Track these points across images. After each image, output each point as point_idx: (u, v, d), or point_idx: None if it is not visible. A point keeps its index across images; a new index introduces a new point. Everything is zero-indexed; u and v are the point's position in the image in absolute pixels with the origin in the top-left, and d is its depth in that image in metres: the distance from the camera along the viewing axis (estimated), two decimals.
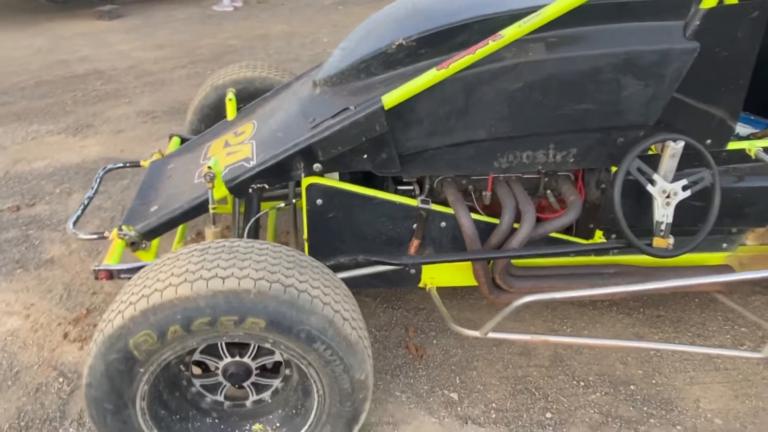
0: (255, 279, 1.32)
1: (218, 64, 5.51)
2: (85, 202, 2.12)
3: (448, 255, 1.99)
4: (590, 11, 1.73)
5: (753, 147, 1.89)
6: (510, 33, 1.65)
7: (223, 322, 1.31)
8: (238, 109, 2.49)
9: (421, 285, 2.12)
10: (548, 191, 2.09)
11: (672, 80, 1.72)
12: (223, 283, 1.30)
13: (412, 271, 2.08)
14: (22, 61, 5.88)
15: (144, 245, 1.90)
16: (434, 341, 2.18)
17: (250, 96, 2.65)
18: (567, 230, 2.20)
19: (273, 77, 2.76)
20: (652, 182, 1.82)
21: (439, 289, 2.13)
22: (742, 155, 1.91)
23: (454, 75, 1.69)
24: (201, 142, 2.38)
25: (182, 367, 1.55)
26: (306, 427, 1.54)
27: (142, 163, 2.42)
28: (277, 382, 1.62)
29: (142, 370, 1.36)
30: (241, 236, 2.03)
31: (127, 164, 2.44)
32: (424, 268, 2.09)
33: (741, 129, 2.16)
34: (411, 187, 2.11)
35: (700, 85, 1.75)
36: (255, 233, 2.09)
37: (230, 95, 2.45)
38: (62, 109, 4.57)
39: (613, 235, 2.03)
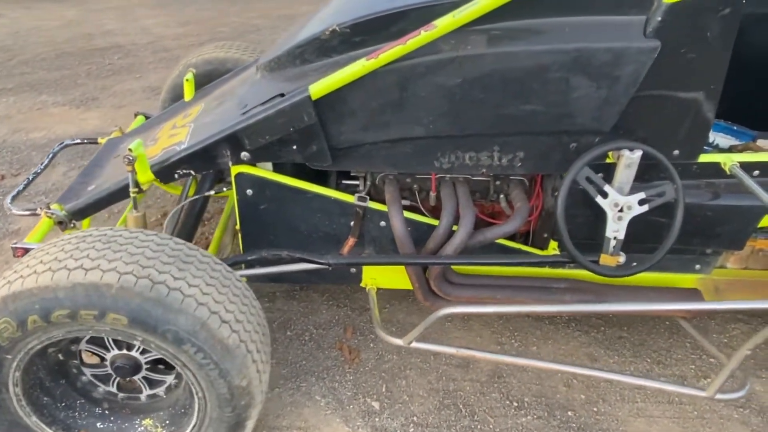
0: (121, 273, 1.25)
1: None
2: (30, 178, 2.10)
3: (378, 257, 1.88)
4: (541, 1, 1.57)
5: (728, 161, 1.69)
6: (444, 23, 1.51)
7: (84, 316, 1.25)
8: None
9: (362, 285, 2.03)
10: (501, 195, 1.95)
11: (628, 83, 1.54)
12: (85, 275, 1.24)
13: (353, 270, 1.99)
14: (50, 33, 6.03)
15: (73, 225, 1.87)
16: (371, 344, 2.07)
17: (221, 76, 2.59)
18: (525, 239, 2.06)
19: (246, 58, 2.69)
20: (604, 194, 1.65)
21: (393, 291, 2.02)
22: (716, 169, 1.71)
23: (387, 66, 1.57)
24: (157, 123, 2.33)
25: (61, 356, 1.50)
26: (190, 427, 1.48)
27: (99, 140, 2.39)
28: (170, 379, 1.57)
29: (9, 356, 1.32)
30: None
31: (85, 140, 2.42)
32: (365, 268, 1.99)
33: (722, 140, 1.95)
34: (357, 182, 2.00)
35: (664, 90, 1.57)
36: (192, 224, 2.04)
37: (188, 75, 2.40)
38: (74, 81, 4.65)
39: None
